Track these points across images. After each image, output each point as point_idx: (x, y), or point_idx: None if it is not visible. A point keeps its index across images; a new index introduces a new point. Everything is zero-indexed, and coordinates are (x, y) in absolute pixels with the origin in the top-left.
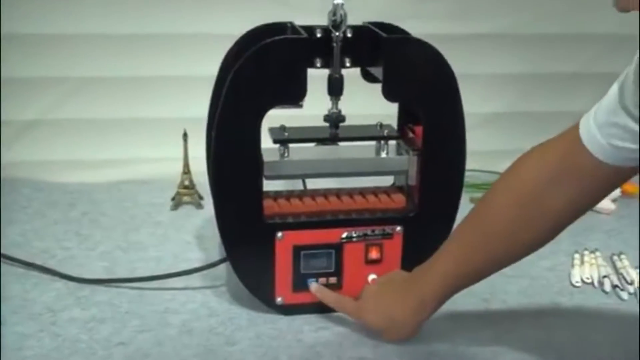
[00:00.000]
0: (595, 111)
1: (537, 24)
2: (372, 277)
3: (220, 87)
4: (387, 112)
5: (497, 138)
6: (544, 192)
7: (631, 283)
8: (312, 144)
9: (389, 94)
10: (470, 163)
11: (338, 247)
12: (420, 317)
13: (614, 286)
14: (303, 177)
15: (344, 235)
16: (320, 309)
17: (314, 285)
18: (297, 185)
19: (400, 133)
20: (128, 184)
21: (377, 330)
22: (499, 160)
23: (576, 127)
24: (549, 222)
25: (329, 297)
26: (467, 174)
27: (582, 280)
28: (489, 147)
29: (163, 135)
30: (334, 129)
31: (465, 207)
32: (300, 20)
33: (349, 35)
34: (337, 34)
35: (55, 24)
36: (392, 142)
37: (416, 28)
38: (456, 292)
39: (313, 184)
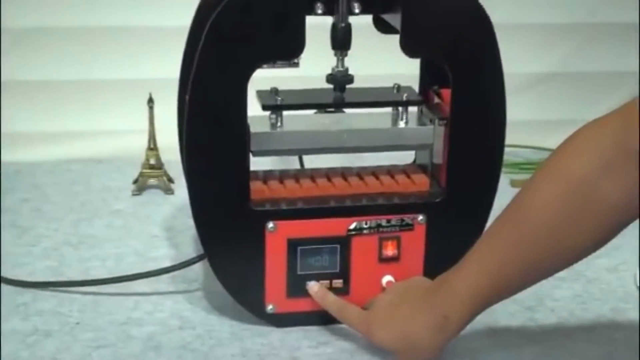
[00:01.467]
0: None
1: None
2: (387, 279)
3: (195, 40)
4: (406, 72)
5: (545, 105)
6: (595, 182)
7: None
8: (311, 111)
9: (408, 48)
10: (510, 136)
11: (344, 242)
12: (442, 336)
13: None
14: (300, 153)
15: (352, 226)
16: (322, 319)
17: (313, 286)
18: (292, 163)
19: (424, 97)
20: (79, 163)
21: (388, 350)
22: (547, 134)
23: (635, 102)
24: (602, 219)
25: (331, 302)
26: (506, 150)
27: None
28: (535, 117)
29: (123, 102)
30: (339, 93)
31: (504, 192)
32: None
33: None
34: None
35: None
36: (413, 109)
37: None
38: (488, 307)
39: (313, 162)
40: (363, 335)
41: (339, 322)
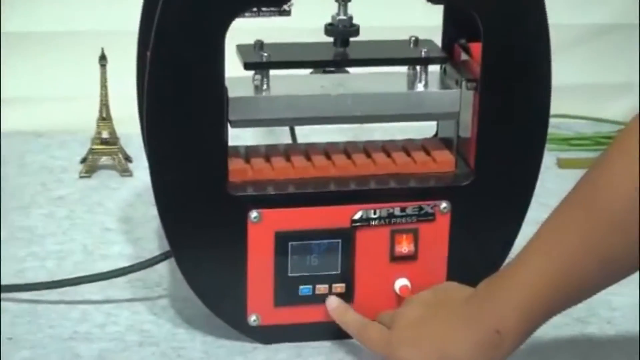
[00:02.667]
0: None
1: None
2: (401, 283)
3: None
4: (426, 22)
5: (601, 65)
6: None
7: None
8: (306, 71)
9: None
10: (557, 104)
11: (347, 236)
12: (494, 356)
13: None
14: (292, 123)
15: (357, 216)
16: (318, 334)
17: (333, 300)
18: (282, 136)
19: (447, 53)
20: (11, 138)
21: None
22: (603, 100)
23: None
24: None
25: (352, 320)
26: (552, 121)
27: None
28: (588, 80)
29: (67, 60)
30: (341, 48)
31: (549, 174)
32: None
33: None
34: None
35: None
36: (434, 69)
37: None
38: (550, 317)
39: (308, 135)
40: (383, 358)
41: (339, 337)
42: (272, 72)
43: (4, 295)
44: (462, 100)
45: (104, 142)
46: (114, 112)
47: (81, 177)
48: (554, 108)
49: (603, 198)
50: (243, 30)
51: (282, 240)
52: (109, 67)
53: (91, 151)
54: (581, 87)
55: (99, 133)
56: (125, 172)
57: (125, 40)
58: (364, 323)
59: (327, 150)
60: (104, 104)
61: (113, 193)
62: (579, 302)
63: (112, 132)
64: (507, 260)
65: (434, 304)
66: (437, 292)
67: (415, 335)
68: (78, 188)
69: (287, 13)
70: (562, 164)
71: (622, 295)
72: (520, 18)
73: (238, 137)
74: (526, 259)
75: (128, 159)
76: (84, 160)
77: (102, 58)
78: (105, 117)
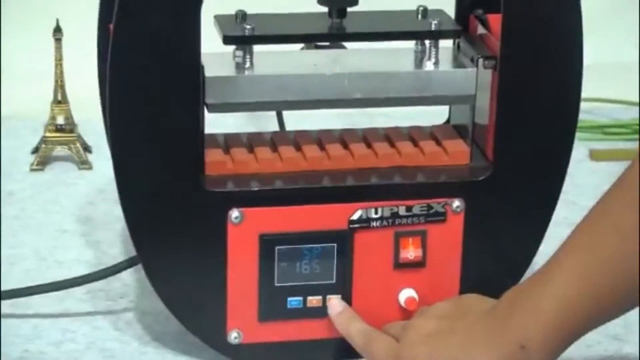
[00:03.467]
0: None
1: None
2: (406, 294)
3: None
4: None
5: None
6: None
7: None
8: (296, 47)
9: None
10: (590, 86)
11: (344, 239)
12: None
13: None
14: (279, 107)
15: (356, 216)
16: (310, 352)
17: (336, 304)
18: (268, 123)
19: (462, 26)
20: None
21: None
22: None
23: None
24: None
25: (359, 331)
26: (584, 106)
27: None
28: (626, 58)
29: (16, 32)
30: (337, 19)
31: (581, 167)
32: None
33: None
34: None
35: None
36: (447, 44)
37: None
38: (584, 333)
39: (298, 121)
40: None
41: (338, 357)
42: (256, 47)
43: None
44: (478, 80)
45: (59, 129)
46: (70, 95)
47: (32, 170)
48: (586, 91)
49: None
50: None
51: (268, 245)
52: (65, 40)
53: (44, 140)
54: (618, 66)
55: (53, 119)
56: (84, 164)
57: (85, 9)
58: (371, 334)
59: (321, 139)
60: (59, 85)
61: (70, 189)
62: (612, 319)
63: (69, 118)
64: (530, 268)
65: (451, 316)
66: (455, 304)
67: (430, 350)
68: (29, 183)
69: None
70: (595, 155)
71: None
72: None
73: (216, 123)
74: (559, 264)
75: (87, 149)
76: (35, 151)
77: (57, 30)
78: (60, 101)
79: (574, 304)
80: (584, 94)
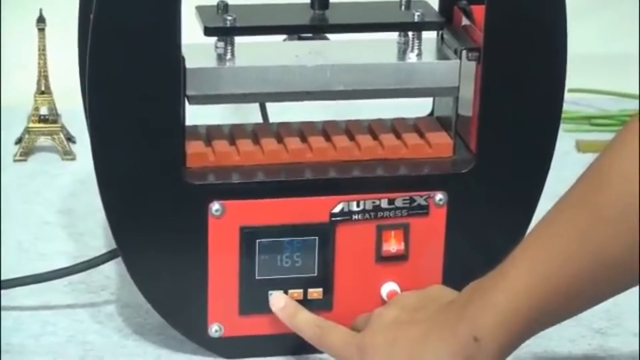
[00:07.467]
0: None
1: None
2: (389, 288)
3: None
4: None
5: (629, 31)
6: None
7: None
8: (278, 38)
9: None
10: (576, 77)
11: (326, 232)
12: None
13: None
14: (261, 99)
15: (338, 209)
16: (291, 346)
17: (279, 298)
18: (250, 115)
19: (446, 18)
20: None
21: None
22: (632, 73)
23: None
24: None
25: (305, 322)
26: (570, 97)
27: None
28: (612, 48)
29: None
30: (320, 10)
31: (567, 159)
32: None
33: None
34: None
35: None
36: (430, 36)
37: None
38: (539, 330)
39: (280, 113)
40: None
41: (314, 351)
42: (238, 39)
43: None
44: (462, 72)
45: (43, 119)
46: (54, 85)
47: (15, 160)
48: (572, 81)
49: (604, 196)
50: None
51: (249, 237)
52: (48, 31)
53: (27, 130)
54: (604, 56)
55: (36, 109)
56: (68, 155)
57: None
58: (323, 325)
59: (303, 131)
60: (43, 75)
61: (53, 180)
62: (568, 316)
63: (52, 108)
64: None
65: (415, 306)
66: (421, 295)
67: (389, 339)
68: (12, 174)
69: None
70: (582, 147)
71: None
72: None
73: (198, 115)
74: (515, 259)
75: (71, 139)
76: (18, 141)
77: (40, 20)
78: (44, 91)
79: (528, 300)
80: (570, 85)
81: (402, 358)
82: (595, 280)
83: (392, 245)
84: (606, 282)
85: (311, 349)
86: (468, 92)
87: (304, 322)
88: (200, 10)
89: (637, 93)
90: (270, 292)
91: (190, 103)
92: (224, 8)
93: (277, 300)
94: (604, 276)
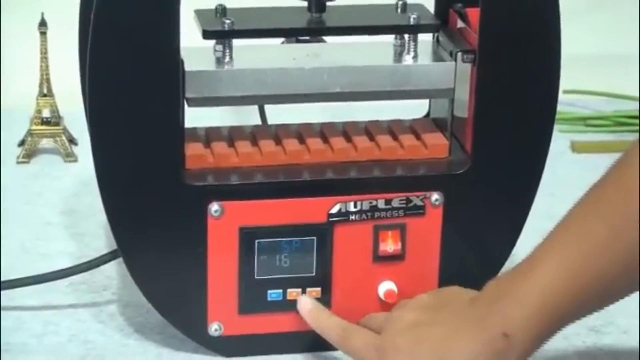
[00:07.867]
0: None
1: None
2: (385, 287)
3: None
4: None
5: (623, 33)
6: None
7: None
8: (276, 41)
9: None
10: (570, 78)
11: (323, 233)
12: None
13: None
14: (259, 101)
15: (335, 209)
16: (291, 345)
17: (307, 302)
18: (249, 117)
19: (441, 21)
20: None
21: None
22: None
23: None
24: None
25: (333, 325)
26: (564, 98)
27: None
28: (606, 49)
29: (1, 27)
30: (317, 13)
31: (561, 159)
32: None
33: None
34: None
35: None
36: (426, 38)
37: None
38: (568, 323)
39: (279, 115)
40: None
41: (313, 349)
42: (236, 42)
43: None
44: (457, 74)
45: (45, 122)
46: (56, 88)
47: (19, 162)
48: (567, 83)
49: (632, 185)
50: None
51: (248, 238)
52: (50, 34)
53: (30, 133)
54: (598, 58)
55: (39, 112)
56: (70, 156)
57: (70, 2)
58: (347, 328)
59: (301, 132)
60: (45, 78)
61: (55, 181)
62: (599, 308)
63: (55, 111)
64: (509, 260)
65: (433, 307)
66: (436, 295)
67: (412, 341)
68: (15, 175)
69: None
70: (576, 147)
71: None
72: None
73: (197, 117)
74: (544, 254)
75: (73, 141)
76: (21, 143)
77: (42, 24)
78: (46, 94)
79: (558, 295)
80: (565, 86)
81: (431, 356)
82: (626, 275)
83: (389, 245)
84: (636, 276)
85: (310, 347)
86: (463, 93)
87: (330, 324)
88: (199, 13)
89: (632, 94)
90: (270, 292)
91: (189, 105)
92: (222, 11)
93: (305, 303)
94: (634, 270)
